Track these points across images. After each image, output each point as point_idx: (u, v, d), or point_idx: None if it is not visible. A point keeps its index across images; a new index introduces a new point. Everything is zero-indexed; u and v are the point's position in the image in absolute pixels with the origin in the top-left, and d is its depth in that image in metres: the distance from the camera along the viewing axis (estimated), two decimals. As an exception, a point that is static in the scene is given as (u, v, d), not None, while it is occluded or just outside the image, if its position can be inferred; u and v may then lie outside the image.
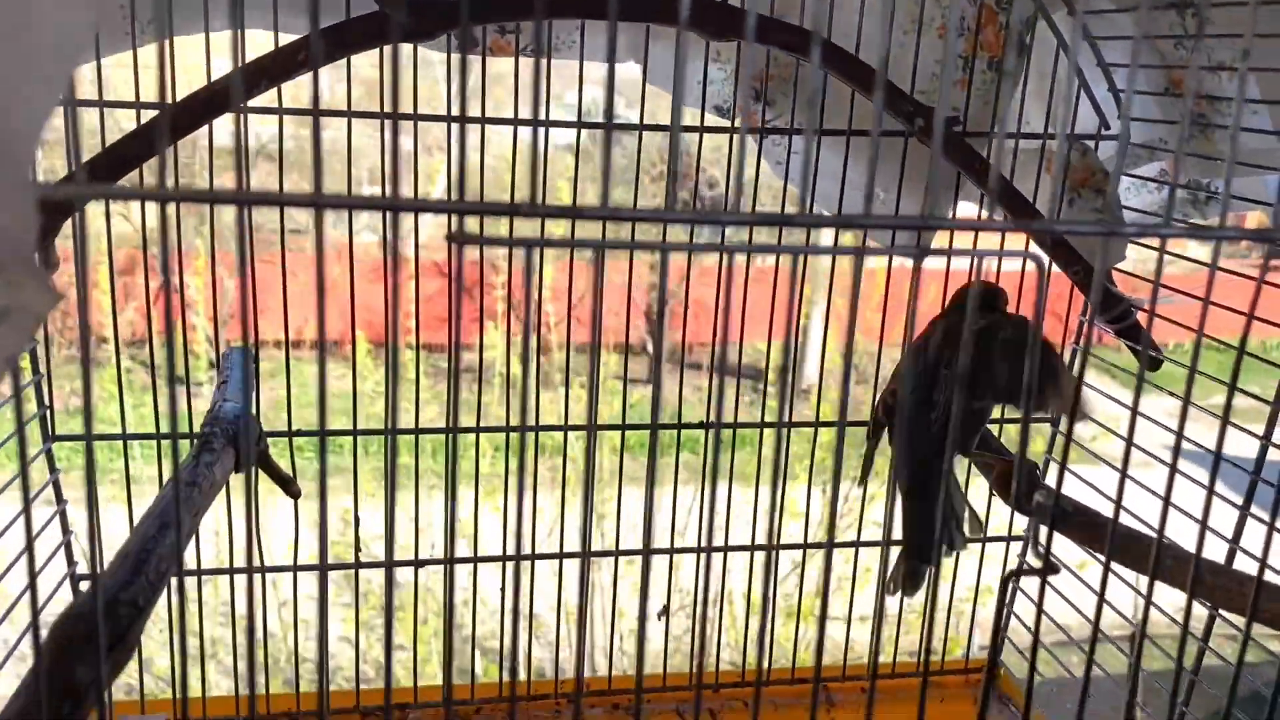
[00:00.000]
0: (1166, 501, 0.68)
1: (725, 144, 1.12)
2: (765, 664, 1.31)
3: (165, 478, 0.98)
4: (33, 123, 0.38)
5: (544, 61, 1.06)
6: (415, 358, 1.17)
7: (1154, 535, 0.66)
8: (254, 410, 0.98)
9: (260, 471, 0.89)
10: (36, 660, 0.51)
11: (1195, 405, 0.61)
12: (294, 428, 1.07)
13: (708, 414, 1.25)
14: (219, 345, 1.02)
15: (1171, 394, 0.95)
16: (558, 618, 1.22)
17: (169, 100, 0.77)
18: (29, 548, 0.53)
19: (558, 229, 0.60)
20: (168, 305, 0.51)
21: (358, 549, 1.12)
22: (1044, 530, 1.23)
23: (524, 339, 0.52)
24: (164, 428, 1.05)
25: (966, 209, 1.16)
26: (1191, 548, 0.71)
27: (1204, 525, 0.69)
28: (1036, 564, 1.20)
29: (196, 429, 0.85)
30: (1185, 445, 0.74)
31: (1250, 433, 0.85)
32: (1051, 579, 1.10)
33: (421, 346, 1.16)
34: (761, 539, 1.19)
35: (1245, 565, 0.88)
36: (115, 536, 0.88)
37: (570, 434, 1.14)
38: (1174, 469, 0.66)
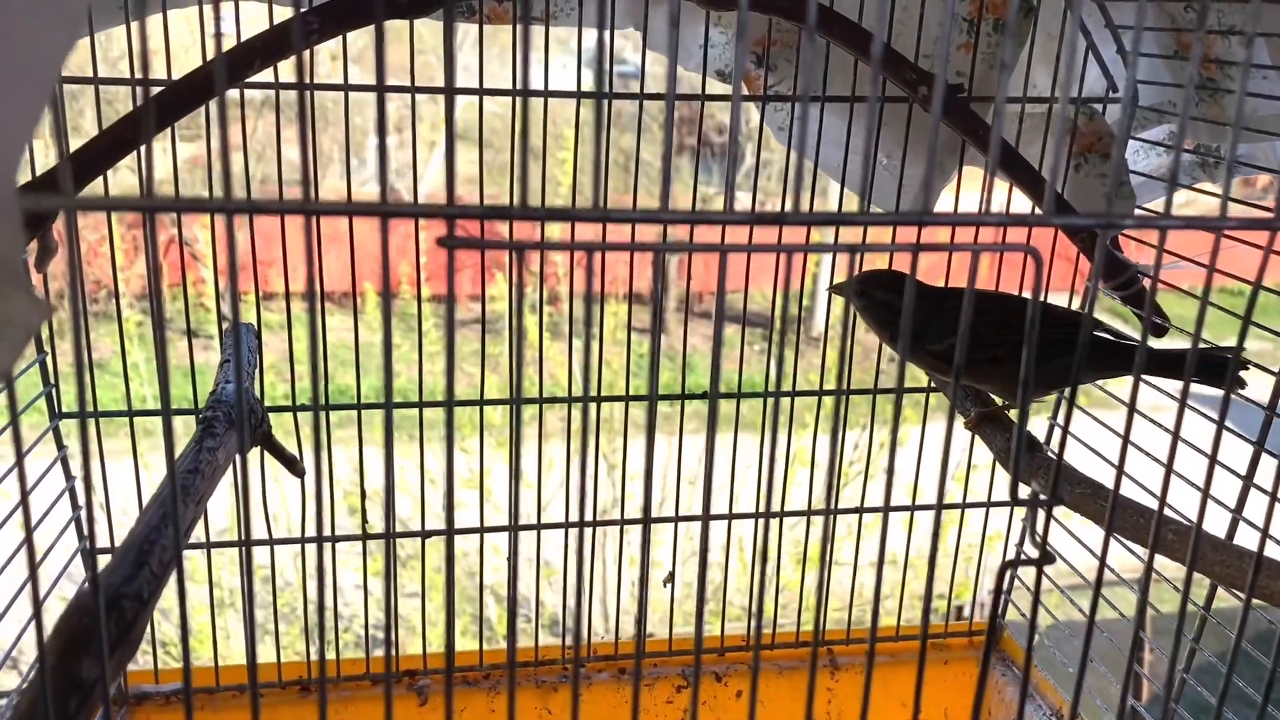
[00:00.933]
0: (1169, 470, 0.68)
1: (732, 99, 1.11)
2: (760, 631, 1.32)
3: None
4: (14, 143, 0.38)
5: (532, 41, 1.05)
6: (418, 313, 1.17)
7: (1157, 504, 0.66)
8: (258, 384, 0.98)
9: (265, 452, 0.90)
10: (40, 657, 0.52)
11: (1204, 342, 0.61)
12: (299, 386, 1.07)
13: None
14: (221, 313, 1.03)
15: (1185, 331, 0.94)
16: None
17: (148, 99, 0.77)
18: (28, 537, 0.54)
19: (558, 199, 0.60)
20: (157, 317, 0.51)
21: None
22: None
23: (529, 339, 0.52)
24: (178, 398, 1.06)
25: (972, 172, 1.14)
26: (1196, 505, 0.71)
27: (1205, 494, 0.69)
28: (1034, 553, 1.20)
29: (206, 386, 0.86)
30: (1198, 390, 0.74)
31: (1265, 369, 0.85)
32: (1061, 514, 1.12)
33: (429, 299, 1.16)
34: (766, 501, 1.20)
35: (1248, 537, 0.89)
36: (128, 509, 0.89)
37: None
38: (1176, 436, 0.66)
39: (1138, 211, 1.14)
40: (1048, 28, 1.10)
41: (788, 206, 1.07)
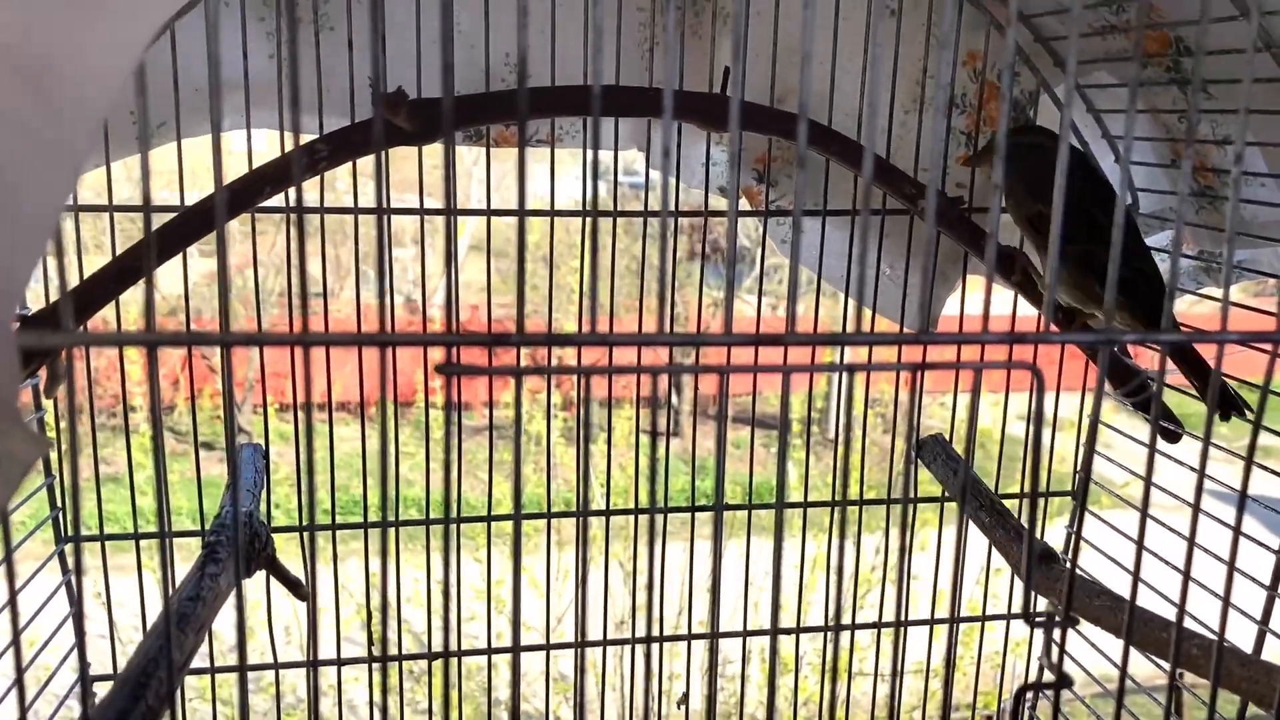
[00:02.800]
0: (1185, 579, 0.66)
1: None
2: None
3: (180, 579, 0.99)
4: (13, 282, 0.39)
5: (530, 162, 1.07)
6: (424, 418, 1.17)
7: (1175, 615, 0.64)
8: (264, 504, 0.98)
9: (270, 575, 0.89)
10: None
11: (1218, 446, 0.60)
12: (316, 496, 1.07)
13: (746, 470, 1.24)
14: (230, 434, 1.03)
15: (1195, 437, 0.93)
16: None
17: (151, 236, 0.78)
18: (19, 679, 0.53)
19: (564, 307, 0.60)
20: (157, 439, 0.51)
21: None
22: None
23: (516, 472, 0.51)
24: (186, 512, 1.05)
25: (977, 281, 1.15)
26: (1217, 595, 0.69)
27: (1226, 604, 0.67)
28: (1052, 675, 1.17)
29: (218, 499, 0.84)
30: (1214, 487, 0.73)
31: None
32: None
33: (439, 407, 1.16)
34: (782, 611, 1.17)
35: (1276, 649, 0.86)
36: (137, 628, 0.87)
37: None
38: (1192, 543, 0.64)
39: None
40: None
41: (787, 326, 1.08)
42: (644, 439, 1.20)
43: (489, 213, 1.06)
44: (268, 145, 1.00)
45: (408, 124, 0.83)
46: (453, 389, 0.48)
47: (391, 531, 1.06)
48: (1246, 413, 1.00)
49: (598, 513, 1.13)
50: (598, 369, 0.49)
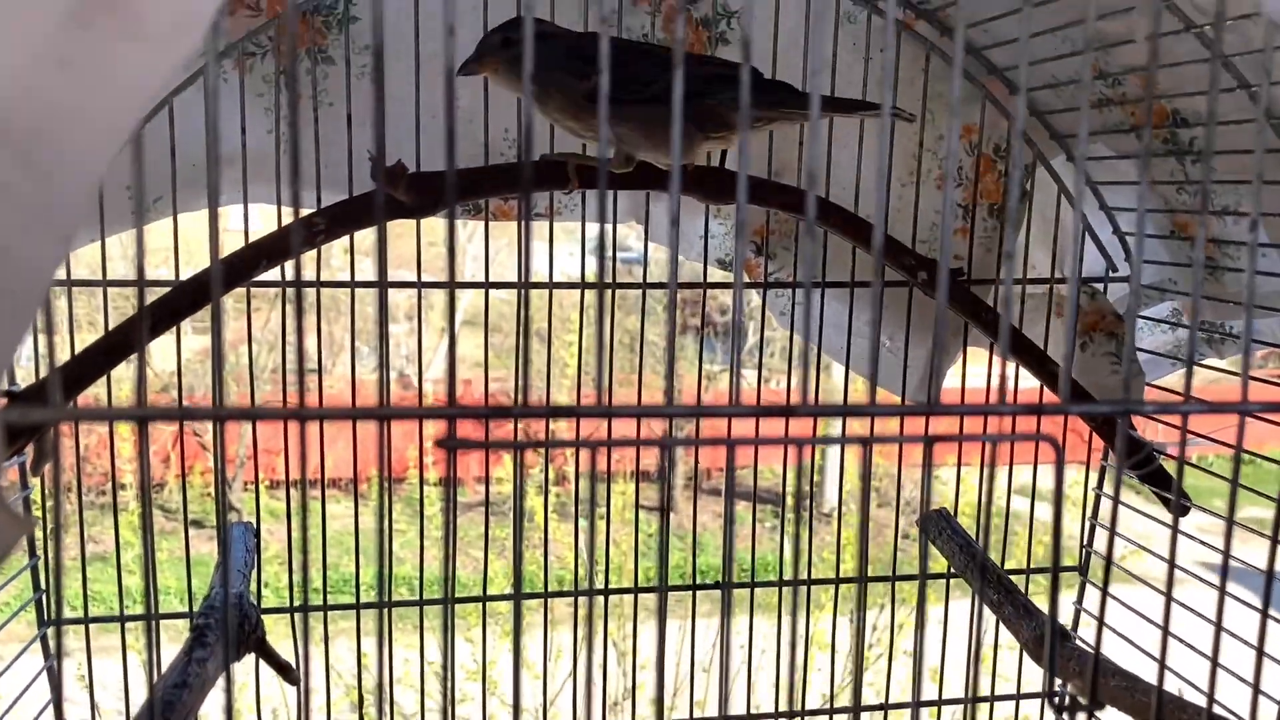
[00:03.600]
0: (1214, 667, 0.64)
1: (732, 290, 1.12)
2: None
3: (167, 662, 0.96)
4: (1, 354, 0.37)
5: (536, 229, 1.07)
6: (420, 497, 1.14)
7: (1205, 702, 0.62)
8: (255, 583, 0.95)
9: (259, 658, 0.86)
10: None
11: (1239, 524, 0.58)
12: (308, 573, 1.04)
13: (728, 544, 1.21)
14: (221, 508, 1.01)
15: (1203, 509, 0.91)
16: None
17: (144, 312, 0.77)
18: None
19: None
20: (146, 516, 0.49)
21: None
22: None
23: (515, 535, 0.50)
24: (175, 591, 1.03)
25: (976, 353, 1.14)
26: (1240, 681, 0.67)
27: (1256, 691, 0.65)
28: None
29: (206, 576, 0.82)
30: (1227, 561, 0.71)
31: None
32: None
33: (434, 484, 1.14)
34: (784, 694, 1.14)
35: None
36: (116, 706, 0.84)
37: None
38: (1219, 628, 0.62)
39: (1152, 391, 1.12)
40: (1043, 210, 1.12)
41: (794, 398, 1.07)
42: (641, 514, 1.18)
43: (487, 285, 1.05)
44: (263, 221, 1.00)
45: (407, 197, 0.83)
46: (452, 464, 0.46)
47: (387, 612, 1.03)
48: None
49: (600, 591, 1.10)
50: (600, 441, 0.48)
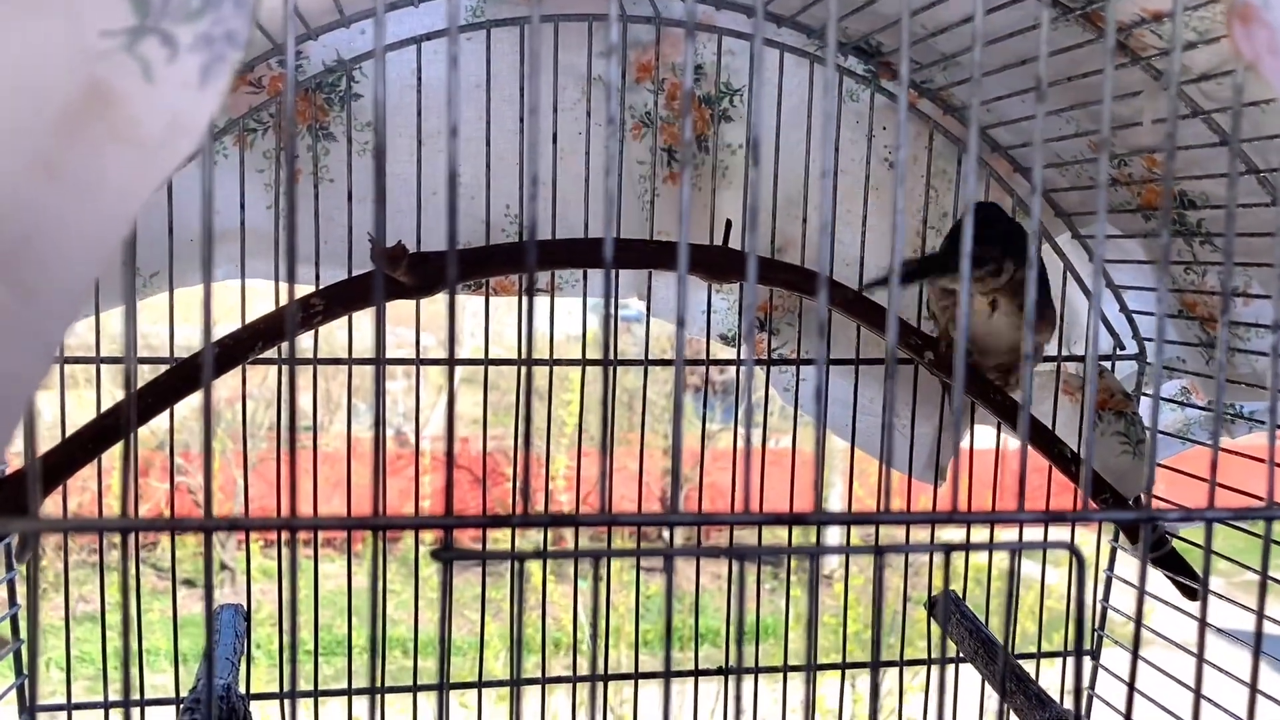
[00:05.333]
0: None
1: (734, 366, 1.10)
2: None
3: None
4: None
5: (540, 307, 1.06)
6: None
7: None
8: (244, 670, 0.93)
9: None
10: None
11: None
12: (299, 638, 1.02)
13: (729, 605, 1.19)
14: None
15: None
16: None
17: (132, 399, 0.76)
18: None
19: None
20: (126, 644, 0.47)
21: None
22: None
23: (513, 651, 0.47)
24: (163, 653, 1.00)
25: (984, 432, 1.12)
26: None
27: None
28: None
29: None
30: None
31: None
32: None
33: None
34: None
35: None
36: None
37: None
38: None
39: (1163, 473, 1.11)
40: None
41: (800, 496, 1.05)
42: (641, 574, 1.15)
43: (487, 362, 1.04)
44: (259, 298, 0.99)
45: (407, 279, 0.82)
46: (448, 576, 0.44)
47: (380, 699, 1.00)
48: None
49: (601, 678, 1.07)
50: (601, 552, 0.46)
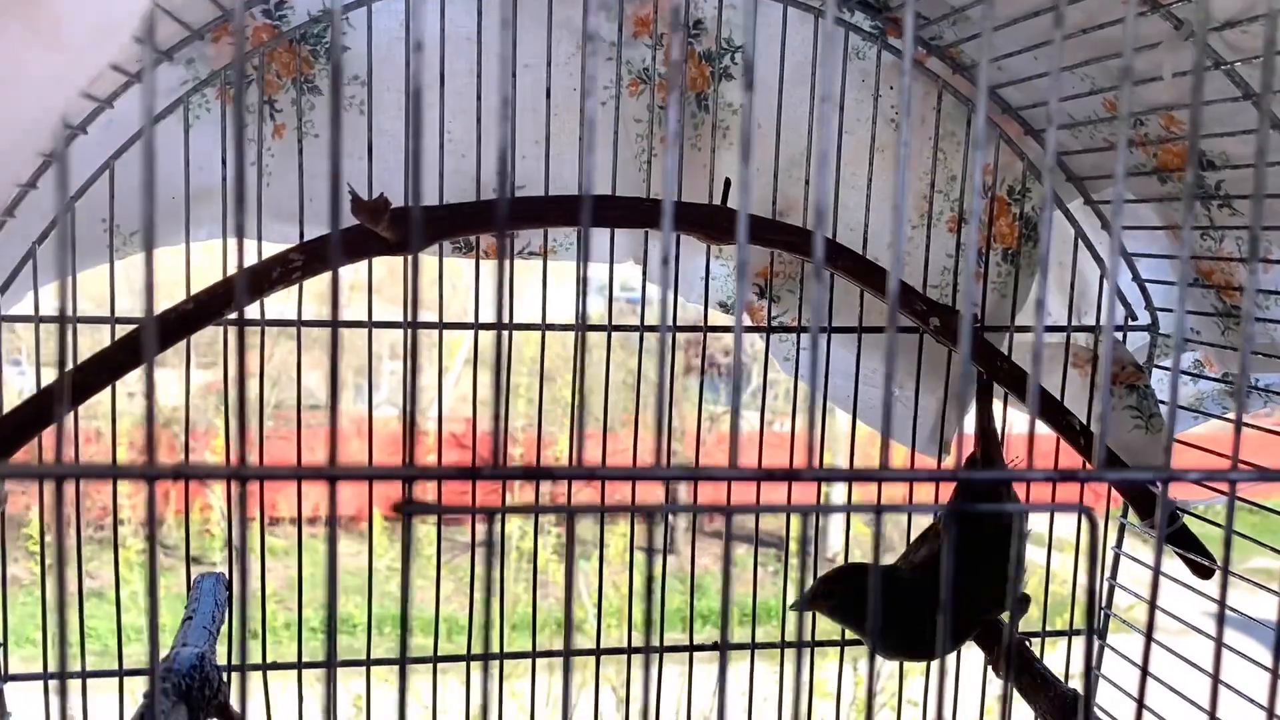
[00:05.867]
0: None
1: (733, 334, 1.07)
2: None
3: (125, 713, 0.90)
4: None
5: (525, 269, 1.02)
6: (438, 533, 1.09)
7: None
8: (224, 641, 0.90)
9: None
10: None
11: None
12: (301, 608, 1.00)
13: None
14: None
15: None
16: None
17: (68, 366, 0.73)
18: None
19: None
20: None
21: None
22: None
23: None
24: (169, 629, 0.97)
25: (1020, 422, 1.09)
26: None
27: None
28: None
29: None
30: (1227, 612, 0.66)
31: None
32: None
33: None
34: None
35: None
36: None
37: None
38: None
39: (1178, 447, 1.07)
40: (1059, 256, 1.08)
41: (798, 461, 1.01)
42: (639, 556, 1.12)
43: (476, 326, 1.00)
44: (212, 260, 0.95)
45: (389, 233, 0.78)
46: (407, 530, 0.41)
47: (342, 671, 0.98)
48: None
49: (592, 652, 1.04)
50: (585, 507, 0.42)
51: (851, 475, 0.42)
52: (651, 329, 1.03)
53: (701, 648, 1.05)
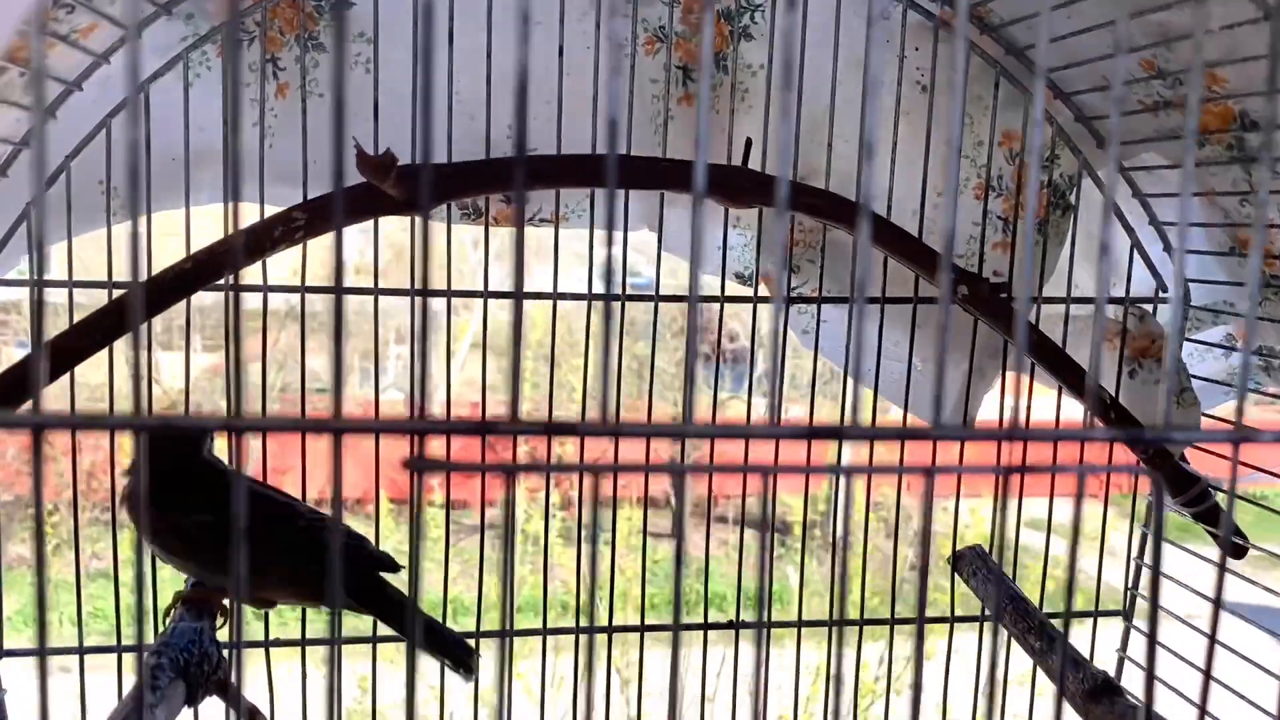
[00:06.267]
0: None
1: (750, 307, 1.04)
2: None
3: (124, 691, 0.88)
4: None
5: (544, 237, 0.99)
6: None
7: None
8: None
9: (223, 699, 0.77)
10: None
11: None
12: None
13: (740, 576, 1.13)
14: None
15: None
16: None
17: (42, 341, 0.69)
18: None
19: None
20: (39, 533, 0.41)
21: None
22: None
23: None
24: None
25: (1042, 409, 1.05)
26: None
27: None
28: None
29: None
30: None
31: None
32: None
33: (440, 507, 1.06)
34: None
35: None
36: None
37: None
38: None
39: (1204, 381, 1.03)
40: (1088, 226, 1.04)
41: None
42: (648, 540, 1.09)
43: (485, 294, 0.97)
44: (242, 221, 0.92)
45: (396, 191, 0.75)
46: (426, 487, 0.38)
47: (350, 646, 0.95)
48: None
49: (604, 629, 1.01)
50: (603, 466, 0.39)
51: (904, 434, 0.39)
52: (667, 298, 0.99)
53: (717, 625, 1.02)
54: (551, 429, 0.37)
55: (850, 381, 1.05)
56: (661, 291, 1.00)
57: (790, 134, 0.94)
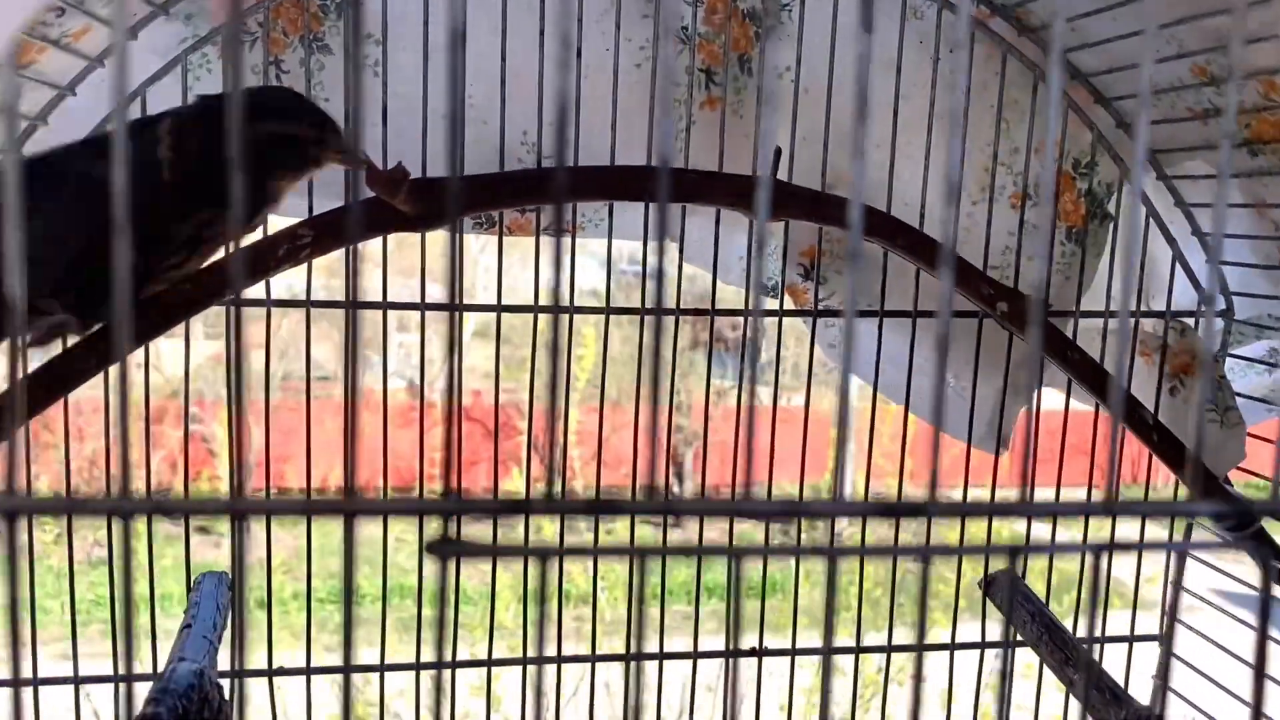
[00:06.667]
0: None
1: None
2: None
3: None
4: None
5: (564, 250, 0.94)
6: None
7: None
8: (225, 650, 0.83)
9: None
10: None
11: None
12: (312, 587, 0.94)
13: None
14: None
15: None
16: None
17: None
18: None
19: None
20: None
21: None
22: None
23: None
24: (176, 598, 0.90)
25: (1051, 395, 1.01)
26: None
27: None
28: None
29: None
30: None
31: None
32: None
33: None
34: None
35: None
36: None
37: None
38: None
39: (1244, 398, 0.99)
40: (1128, 237, 0.99)
41: (813, 416, 0.93)
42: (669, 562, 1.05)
43: (499, 309, 0.92)
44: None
45: (408, 206, 0.70)
46: (451, 573, 0.34)
47: (355, 678, 0.91)
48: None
49: (649, 656, 0.97)
50: (650, 550, 0.35)
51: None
52: (688, 312, 0.95)
53: (712, 654, 0.98)
54: (598, 508, 0.33)
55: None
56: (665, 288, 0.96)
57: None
